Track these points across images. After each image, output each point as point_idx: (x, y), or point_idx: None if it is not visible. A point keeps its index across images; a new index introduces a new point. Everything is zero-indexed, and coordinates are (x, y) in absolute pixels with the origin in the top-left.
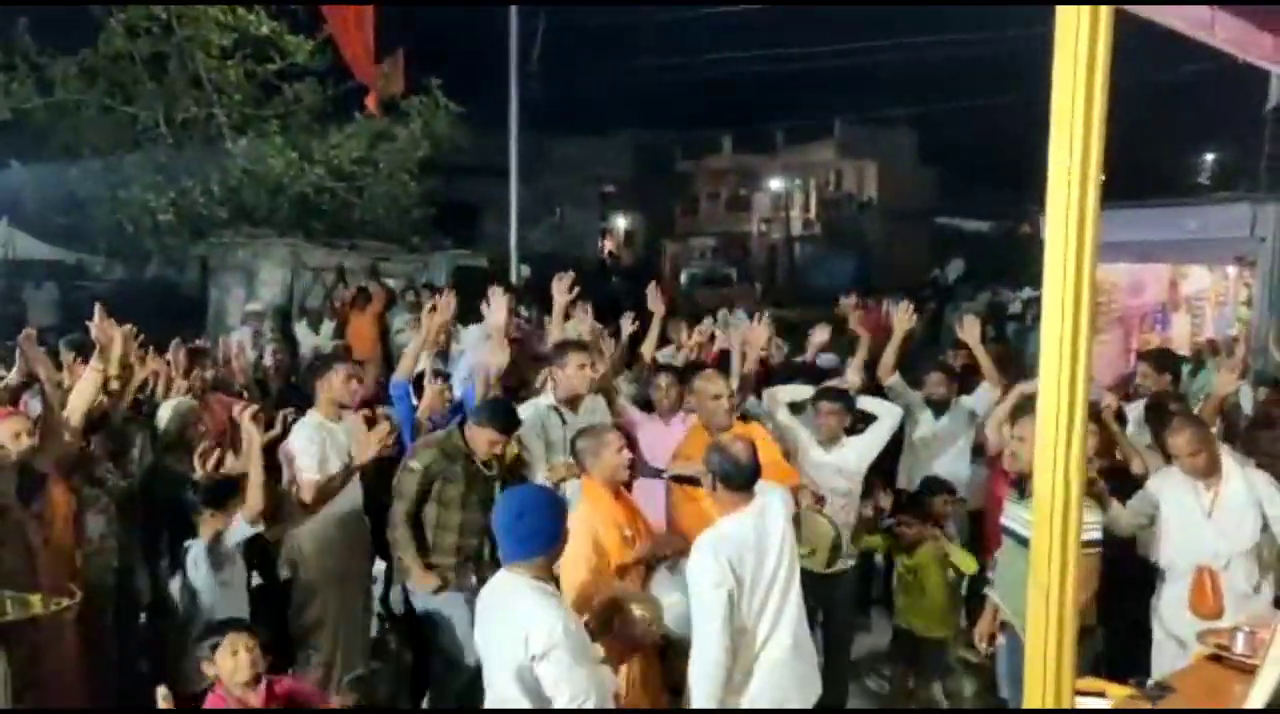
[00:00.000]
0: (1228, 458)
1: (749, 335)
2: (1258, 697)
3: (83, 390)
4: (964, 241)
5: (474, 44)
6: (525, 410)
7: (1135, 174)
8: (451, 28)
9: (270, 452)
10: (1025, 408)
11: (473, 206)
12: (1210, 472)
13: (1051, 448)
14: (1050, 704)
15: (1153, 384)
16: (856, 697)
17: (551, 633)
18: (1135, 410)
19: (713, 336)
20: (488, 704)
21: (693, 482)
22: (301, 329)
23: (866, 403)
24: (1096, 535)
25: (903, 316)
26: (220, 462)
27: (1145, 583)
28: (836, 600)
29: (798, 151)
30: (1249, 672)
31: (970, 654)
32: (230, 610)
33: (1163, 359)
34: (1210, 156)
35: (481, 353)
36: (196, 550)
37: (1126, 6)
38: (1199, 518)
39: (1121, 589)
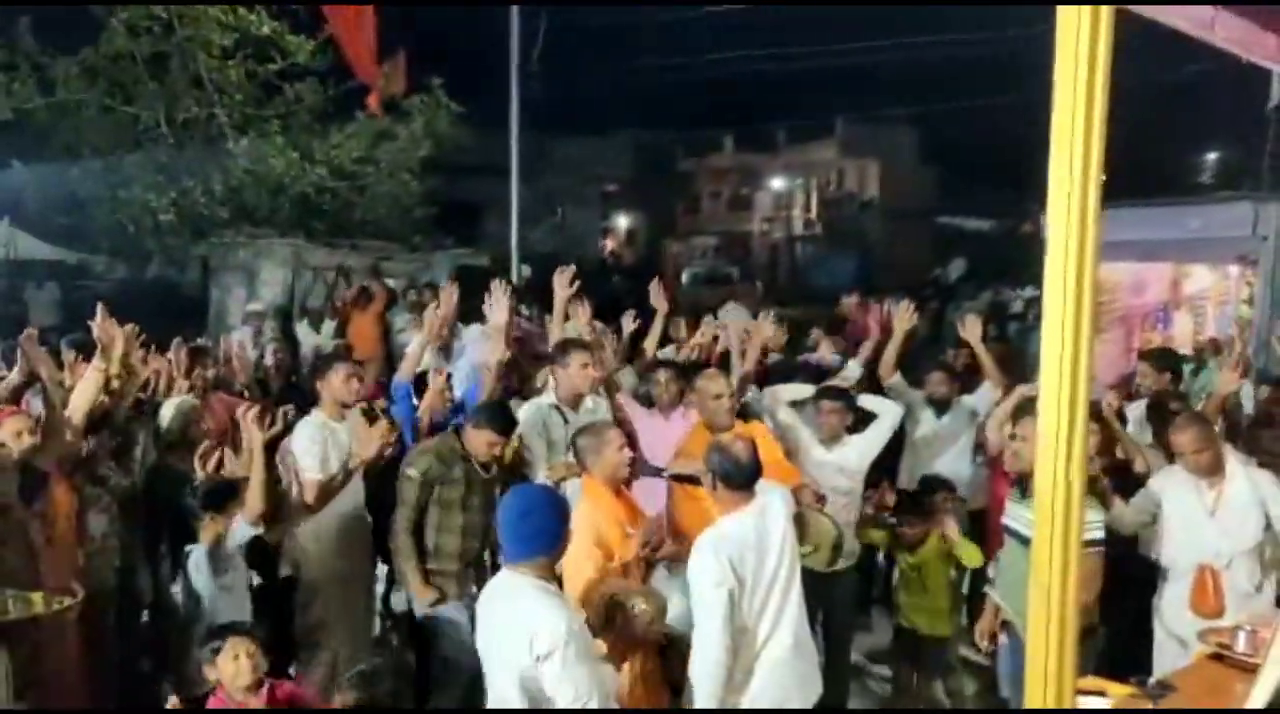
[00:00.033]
0: (1231, 457)
1: (756, 334)
2: (1259, 696)
3: (84, 390)
4: (965, 241)
5: (475, 44)
6: (527, 409)
7: (1138, 173)
8: (452, 27)
9: (271, 451)
10: (1026, 407)
11: (474, 206)
12: (1214, 470)
13: (1053, 447)
14: (1051, 705)
15: (1153, 383)
16: (857, 696)
17: (556, 633)
18: (1136, 409)
19: (715, 337)
20: (488, 705)
21: (693, 480)
22: (303, 329)
23: (867, 401)
24: (1099, 535)
25: (904, 315)
26: (221, 462)
27: (1147, 582)
28: (837, 599)
29: (799, 151)
30: (1250, 671)
31: (972, 653)
32: (232, 613)
33: (1163, 358)
34: (1213, 156)
35: (482, 351)
36: (197, 555)
37: (1128, 6)
38: (1202, 517)
39: (1123, 588)
